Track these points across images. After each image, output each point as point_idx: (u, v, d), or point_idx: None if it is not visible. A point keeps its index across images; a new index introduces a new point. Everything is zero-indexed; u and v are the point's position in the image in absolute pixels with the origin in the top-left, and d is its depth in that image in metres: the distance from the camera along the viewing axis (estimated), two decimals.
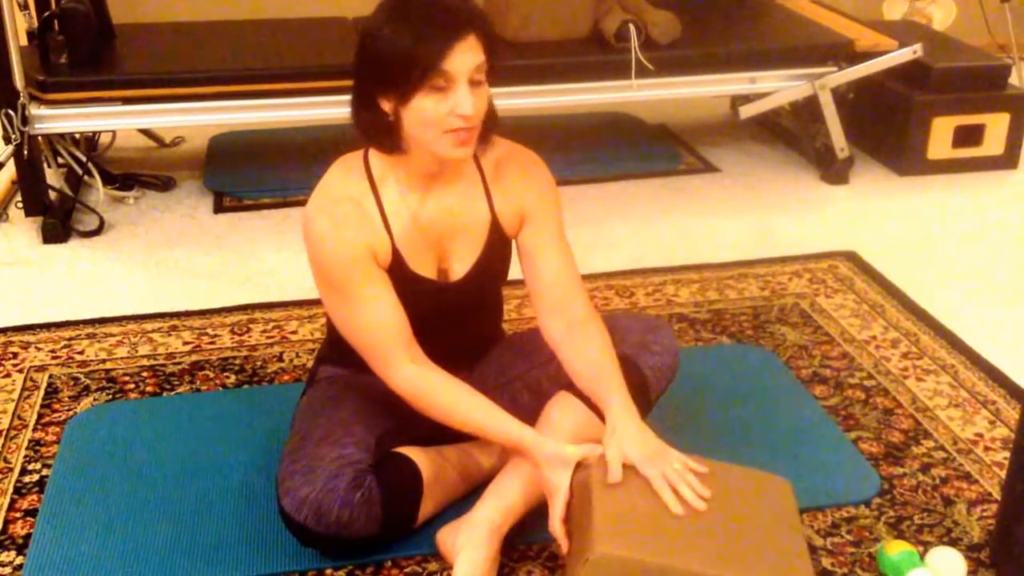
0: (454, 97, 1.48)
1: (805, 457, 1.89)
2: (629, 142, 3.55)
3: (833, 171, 3.20)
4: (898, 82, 3.24)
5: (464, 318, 1.73)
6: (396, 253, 1.60)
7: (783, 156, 3.42)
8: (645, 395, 1.67)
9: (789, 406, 2.05)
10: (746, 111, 3.19)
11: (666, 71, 3.01)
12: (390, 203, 1.60)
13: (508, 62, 3.01)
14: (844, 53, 3.15)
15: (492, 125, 1.61)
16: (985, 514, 1.75)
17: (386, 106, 1.53)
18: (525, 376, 1.75)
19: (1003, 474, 1.84)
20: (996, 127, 3.24)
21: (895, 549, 1.60)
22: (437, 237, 1.64)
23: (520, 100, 2.99)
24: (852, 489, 1.81)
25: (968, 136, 3.23)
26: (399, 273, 1.61)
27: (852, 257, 2.68)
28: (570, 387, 1.65)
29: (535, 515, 1.62)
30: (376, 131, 1.56)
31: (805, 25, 3.35)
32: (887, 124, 3.32)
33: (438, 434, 1.68)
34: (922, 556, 1.61)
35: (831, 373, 2.16)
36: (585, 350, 1.62)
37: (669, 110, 3.73)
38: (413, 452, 1.65)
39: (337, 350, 1.75)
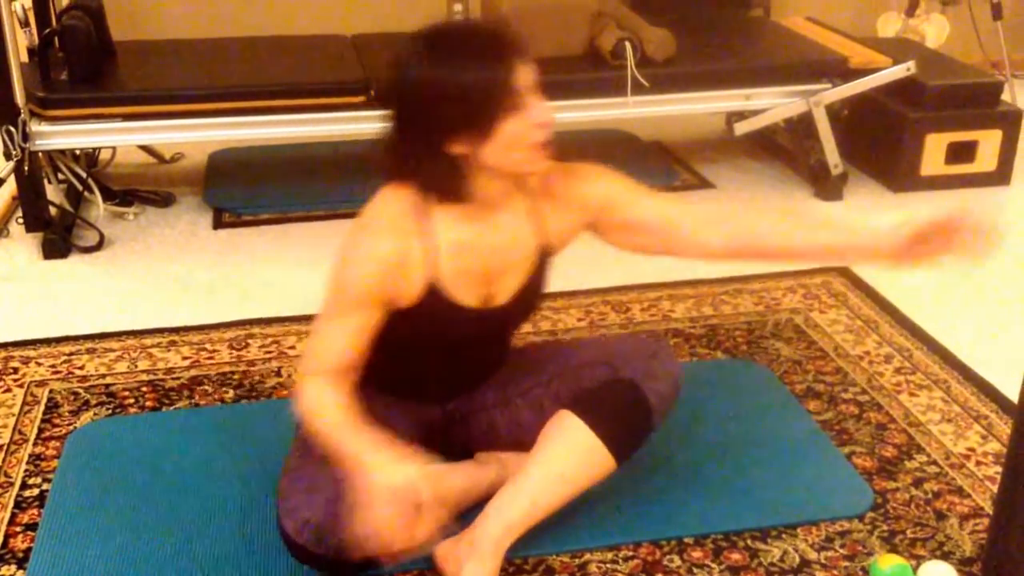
0: (530, 111, 1.48)
1: (799, 471, 1.90)
2: (625, 158, 3.57)
3: (827, 187, 3.22)
4: (892, 99, 3.27)
5: (493, 341, 1.74)
6: (434, 287, 1.57)
7: (778, 172, 3.44)
8: (648, 421, 1.68)
9: (783, 421, 2.07)
10: (741, 128, 3.21)
11: (662, 88, 3.04)
12: (442, 234, 1.57)
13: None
14: (838, 70, 3.18)
15: None
16: (977, 528, 1.77)
17: (458, 149, 1.49)
18: (527, 394, 1.76)
19: (995, 488, 1.86)
20: (989, 144, 3.27)
21: (888, 563, 1.62)
22: (486, 266, 1.62)
23: None
24: (845, 503, 1.83)
25: (961, 153, 3.26)
26: (435, 305, 1.58)
27: (845, 273, 2.70)
28: (571, 405, 1.65)
29: (533, 529, 1.64)
30: (447, 179, 1.52)
31: (799, 42, 3.38)
32: (881, 141, 3.35)
33: (450, 447, 1.69)
34: (915, 570, 1.63)
35: (825, 388, 2.18)
36: (770, 219, 1.64)
37: (665, 127, 3.76)
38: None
39: None
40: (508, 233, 1.62)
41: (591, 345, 1.84)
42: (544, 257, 1.67)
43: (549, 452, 1.63)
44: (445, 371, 1.69)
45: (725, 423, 2.05)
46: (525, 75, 1.48)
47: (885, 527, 1.77)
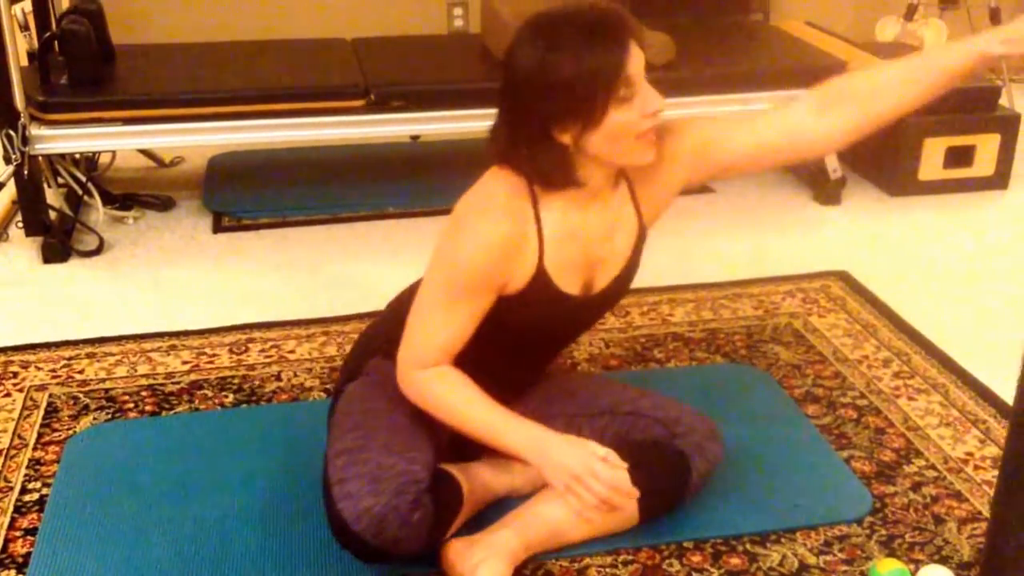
0: (640, 99, 1.46)
1: (798, 476, 1.91)
2: None
3: (825, 192, 3.23)
4: None
5: (578, 330, 1.75)
6: (542, 275, 1.56)
7: (776, 177, 3.45)
8: (682, 497, 1.71)
9: (782, 425, 2.07)
10: None
11: (661, 92, 3.03)
12: (550, 221, 1.55)
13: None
14: (837, 74, 3.17)
15: None
16: (975, 532, 1.77)
17: (565, 138, 1.48)
18: (570, 418, 1.74)
19: (993, 492, 1.86)
20: (986, 148, 3.28)
21: (887, 567, 1.62)
22: (590, 254, 1.61)
23: None
24: (844, 507, 1.83)
25: (959, 157, 3.27)
26: (541, 293, 1.57)
27: (844, 277, 2.71)
28: (618, 450, 1.56)
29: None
30: (556, 167, 1.50)
31: (798, 47, 3.39)
32: (879, 145, 3.35)
33: (471, 449, 1.70)
34: (913, 574, 1.63)
35: (824, 392, 2.19)
36: (873, 80, 1.62)
37: None
38: (455, 470, 1.65)
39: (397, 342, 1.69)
40: (612, 221, 1.61)
41: (653, 398, 1.80)
42: (642, 240, 1.67)
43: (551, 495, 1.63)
44: (508, 365, 1.66)
45: (724, 427, 2.04)
46: (636, 62, 1.46)
47: (884, 531, 1.78)
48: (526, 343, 1.68)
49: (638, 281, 2.63)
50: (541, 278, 1.56)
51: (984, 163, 3.29)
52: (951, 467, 1.94)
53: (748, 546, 1.74)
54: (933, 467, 1.94)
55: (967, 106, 3.26)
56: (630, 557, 1.71)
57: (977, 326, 2.50)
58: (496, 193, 1.54)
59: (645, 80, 1.48)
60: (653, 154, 1.53)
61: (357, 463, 1.55)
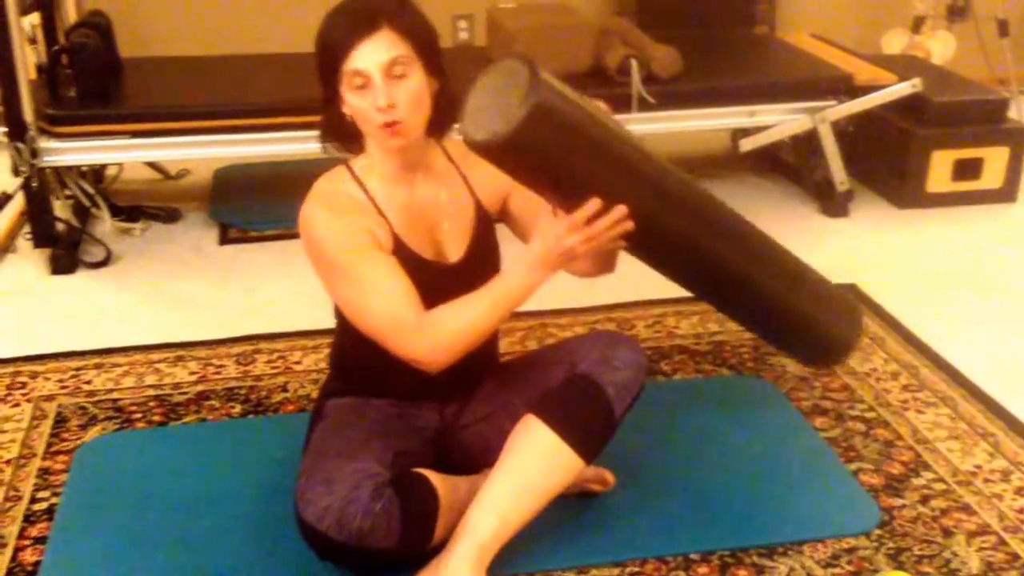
0: (372, 93, 1.53)
1: (805, 488, 1.90)
2: None
3: (833, 204, 3.22)
4: (898, 116, 3.28)
5: None
6: (396, 237, 1.63)
7: (783, 189, 3.45)
8: (608, 413, 1.65)
9: (789, 438, 2.06)
10: (746, 145, 3.22)
11: (667, 105, 3.05)
12: (380, 197, 1.65)
13: None
14: (844, 87, 3.19)
15: (446, 116, 1.64)
16: (984, 545, 1.76)
17: (343, 106, 1.58)
18: (507, 405, 1.75)
19: (1002, 506, 1.85)
20: (995, 161, 3.27)
21: None
22: (429, 222, 1.68)
23: None
24: (852, 520, 1.82)
25: (967, 169, 3.26)
26: (405, 255, 1.63)
27: (852, 289, 2.70)
28: (531, 408, 1.64)
29: (538, 544, 1.63)
30: (335, 129, 1.63)
31: (805, 59, 3.40)
32: (887, 157, 3.35)
33: (446, 464, 1.69)
34: None
35: (832, 405, 2.18)
36: None
37: (670, 143, 3.76)
38: (429, 473, 1.65)
39: (344, 380, 1.77)
40: (443, 191, 1.69)
41: (554, 348, 1.86)
42: (484, 217, 1.72)
43: (513, 462, 1.63)
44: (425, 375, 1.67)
45: (730, 440, 2.04)
46: (372, 57, 1.52)
47: (892, 544, 1.76)
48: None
49: (642, 293, 2.65)
50: (399, 240, 1.63)
51: (992, 176, 3.29)
52: (960, 480, 1.93)
53: (756, 559, 1.72)
54: (942, 480, 1.93)
55: (976, 119, 3.26)
56: (636, 569, 1.70)
57: (986, 339, 2.49)
58: (318, 186, 1.66)
59: (387, 77, 1.53)
60: (396, 144, 1.58)
61: (314, 474, 1.59)
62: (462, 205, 1.71)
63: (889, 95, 3.19)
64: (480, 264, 1.71)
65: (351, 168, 1.67)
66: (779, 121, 3.18)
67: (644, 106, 3.01)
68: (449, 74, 1.64)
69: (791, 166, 3.50)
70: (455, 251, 1.70)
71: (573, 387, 1.66)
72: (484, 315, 1.58)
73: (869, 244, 3.04)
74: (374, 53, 1.52)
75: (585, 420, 1.65)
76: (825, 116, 3.16)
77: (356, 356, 1.73)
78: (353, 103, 1.56)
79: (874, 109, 3.22)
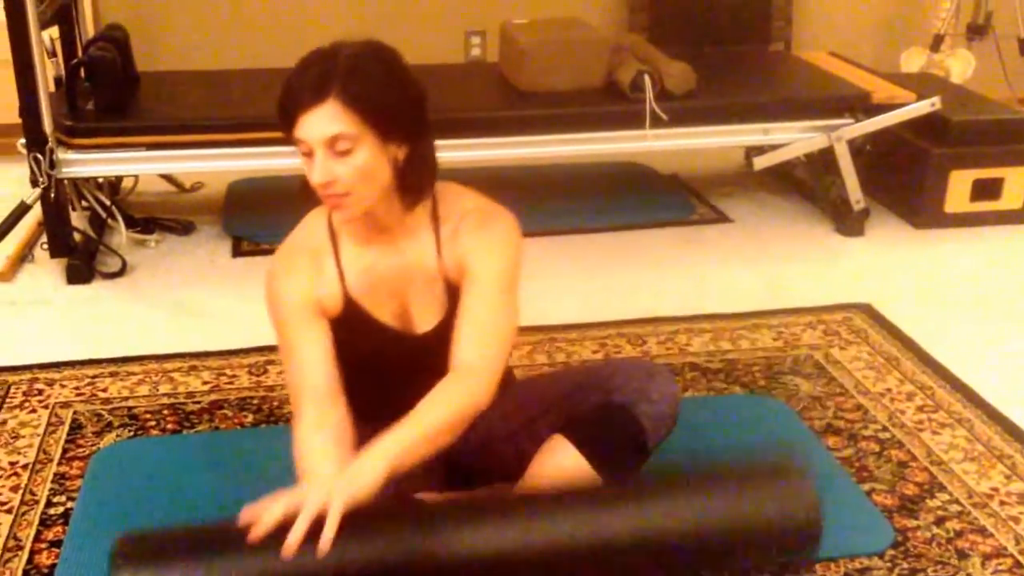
0: (310, 163, 1.47)
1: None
2: (642, 192, 3.57)
3: (848, 223, 3.21)
4: (916, 135, 3.26)
5: (437, 373, 1.64)
6: (350, 302, 1.59)
7: (797, 207, 3.43)
8: (641, 445, 1.65)
9: (802, 457, 2.04)
10: (760, 162, 3.21)
11: (680, 122, 3.04)
12: (347, 255, 1.60)
13: (522, 112, 3.09)
14: (861, 105, 3.17)
15: (419, 180, 1.55)
16: (1000, 568, 1.73)
17: None
18: (528, 426, 1.72)
19: (1019, 528, 1.83)
20: (1015, 181, 3.25)
21: None
22: (395, 289, 1.62)
23: (534, 149, 3.03)
24: (865, 540, 1.80)
25: (986, 190, 3.23)
26: (357, 321, 1.60)
27: (867, 309, 2.68)
28: (562, 430, 1.62)
29: None
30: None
31: (821, 77, 3.39)
32: (904, 176, 3.33)
33: (460, 477, 1.68)
34: None
35: (845, 425, 2.16)
36: (431, 392, 1.53)
37: (682, 160, 3.76)
38: (430, 497, 1.64)
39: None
40: (407, 257, 1.62)
41: (584, 372, 1.83)
42: (452, 289, 1.62)
43: (538, 484, 1.61)
44: (406, 404, 1.61)
45: (742, 459, 2.02)
46: (314, 129, 1.44)
47: (906, 565, 1.74)
48: (400, 379, 1.61)
49: (654, 310, 2.64)
50: (350, 303, 1.59)
51: (1012, 196, 3.26)
52: (976, 502, 1.91)
53: None
54: (957, 502, 1.91)
55: (995, 138, 3.24)
56: None
57: (1003, 360, 2.46)
58: (294, 234, 1.64)
59: (328, 150, 1.45)
60: (341, 216, 1.53)
61: None
62: (429, 275, 1.62)
63: (907, 113, 3.17)
64: (447, 342, 1.61)
65: (330, 219, 1.61)
66: (794, 139, 3.17)
67: (657, 123, 3.01)
68: (428, 135, 1.56)
69: (805, 184, 3.49)
70: (425, 321, 1.64)
71: (607, 415, 1.64)
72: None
73: (885, 264, 3.02)
74: (317, 126, 1.44)
75: (617, 448, 1.64)
76: (841, 134, 3.14)
77: (351, 383, 1.68)
78: (304, 167, 1.50)
79: (892, 128, 3.20)
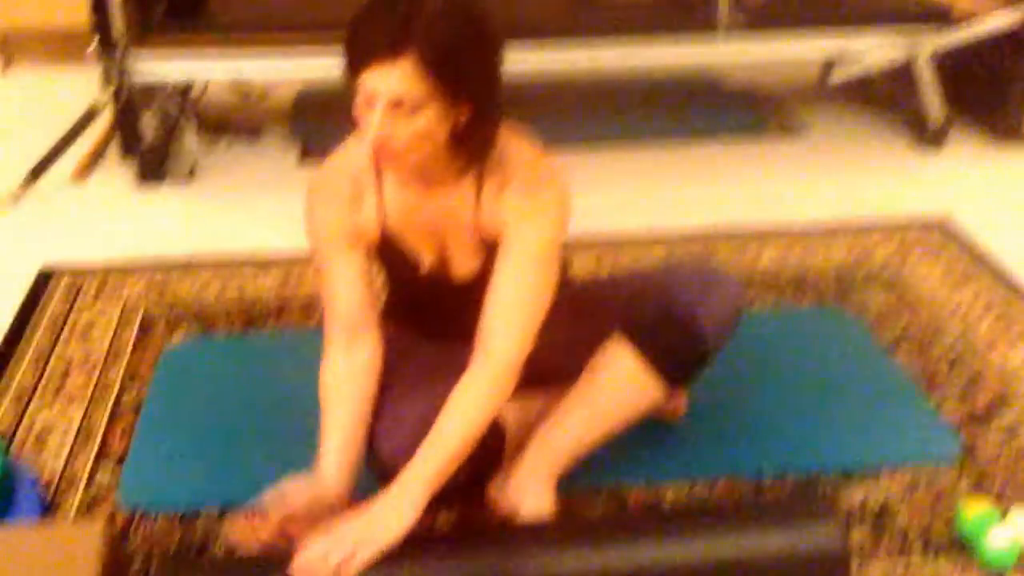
0: (365, 118, 1.35)
1: (885, 419, 1.86)
2: (713, 104, 3.50)
3: (927, 136, 3.11)
4: (998, 47, 3.12)
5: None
6: (389, 234, 1.55)
7: (875, 119, 3.33)
8: (701, 346, 1.61)
9: (871, 370, 2.01)
10: (838, 75, 3.11)
11: (756, 27, 2.95)
12: (389, 188, 1.52)
13: (590, 17, 3.01)
14: (943, 16, 3.05)
15: (478, 144, 1.45)
16: None
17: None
18: (586, 335, 1.67)
19: None
20: None
21: (975, 510, 1.57)
22: (432, 232, 1.56)
23: (603, 53, 2.94)
24: (932, 450, 1.78)
25: None
26: (394, 252, 1.56)
27: (944, 224, 2.61)
28: (621, 333, 1.60)
29: (608, 459, 1.63)
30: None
31: None
32: (986, 90, 3.21)
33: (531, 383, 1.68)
34: (1003, 516, 1.58)
35: (916, 338, 2.12)
36: (456, 392, 1.47)
37: (756, 71, 3.66)
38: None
39: (393, 320, 1.71)
40: (444, 203, 1.52)
41: (642, 278, 1.77)
42: (488, 242, 1.53)
43: (594, 383, 1.61)
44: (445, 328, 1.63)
45: (810, 370, 2.01)
46: (381, 83, 1.31)
47: (973, 473, 1.72)
48: (442, 315, 1.61)
49: (723, 222, 2.60)
50: (388, 236, 1.54)
51: None
52: None
53: (831, 481, 1.70)
54: None
55: None
56: (707, 488, 1.69)
57: None
58: (338, 153, 1.54)
59: (391, 107, 1.33)
60: (389, 167, 1.45)
61: (379, 419, 1.56)
62: (464, 225, 1.53)
63: (992, 24, 3.04)
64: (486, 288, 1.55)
65: None
66: (873, 49, 3.06)
67: (731, 30, 2.92)
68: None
69: (884, 96, 3.38)
70: (462, 267, 1.58)
71: (667, 318, 1.62)
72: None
73: (964, 178, 2.93)
74: (385, 83, 1.31)
75: (677, 350, 1.62)
76: (923, 46, 3.03)
77: (399, 300, 1.68)
78: (358, 110, 1.37)
79: (973, 40, 3.07)
